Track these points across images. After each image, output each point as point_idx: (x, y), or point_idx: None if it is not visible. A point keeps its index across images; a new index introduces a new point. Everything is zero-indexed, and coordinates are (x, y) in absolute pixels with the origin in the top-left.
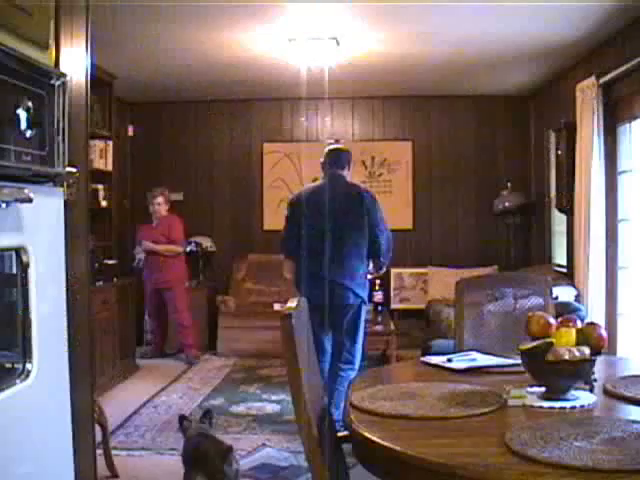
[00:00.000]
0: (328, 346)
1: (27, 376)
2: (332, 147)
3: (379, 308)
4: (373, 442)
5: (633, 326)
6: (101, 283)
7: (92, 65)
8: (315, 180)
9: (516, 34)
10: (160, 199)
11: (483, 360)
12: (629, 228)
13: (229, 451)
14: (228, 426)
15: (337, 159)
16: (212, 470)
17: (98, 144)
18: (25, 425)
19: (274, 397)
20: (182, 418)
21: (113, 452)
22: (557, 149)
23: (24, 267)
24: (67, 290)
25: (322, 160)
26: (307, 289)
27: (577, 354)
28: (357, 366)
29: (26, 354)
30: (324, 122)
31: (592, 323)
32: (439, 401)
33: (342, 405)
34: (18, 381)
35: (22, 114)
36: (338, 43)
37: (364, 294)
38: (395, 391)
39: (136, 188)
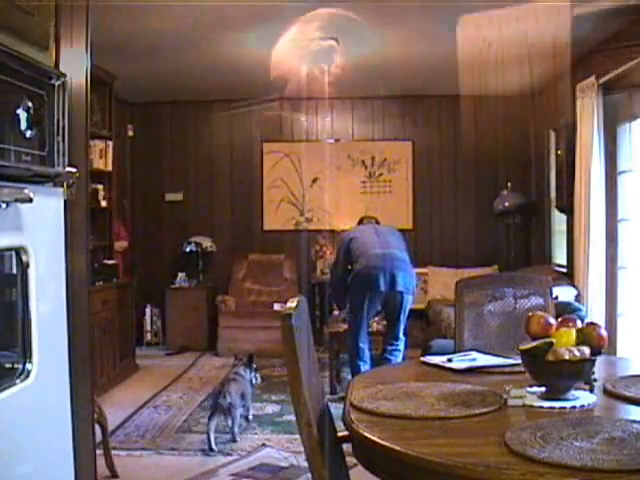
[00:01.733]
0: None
1: (27, 376)
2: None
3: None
4: (373, 442)
5: (633, 326)
6: (101, 283)
7: (92, 65)
8: (315, 180)
9: (516, 34)
10: None
11: (483, 360)
12: (629, 228)
13: (222, 387)
14: (228, 425)
15: (373, 219)
16: (214, 402)
17: (98, 144)
18: (25, 425)
19: (274, 397)
20: (235, 357)
21: (113, 452)
22: (557, 149)
23: (24, 267)
24: (67, 290)
25: (360, 219)
26: (372, 280)
27: (577, 354)
28: (403, 342)
29: (26, 354)
30: (324, 122)
31: (592, 323)
32: (439, 401)
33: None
34: (18, 381)
35: (22, 114)
36: (338, 43)
37: (414, 283)
38: (395, 391)
39: (136, 188)
